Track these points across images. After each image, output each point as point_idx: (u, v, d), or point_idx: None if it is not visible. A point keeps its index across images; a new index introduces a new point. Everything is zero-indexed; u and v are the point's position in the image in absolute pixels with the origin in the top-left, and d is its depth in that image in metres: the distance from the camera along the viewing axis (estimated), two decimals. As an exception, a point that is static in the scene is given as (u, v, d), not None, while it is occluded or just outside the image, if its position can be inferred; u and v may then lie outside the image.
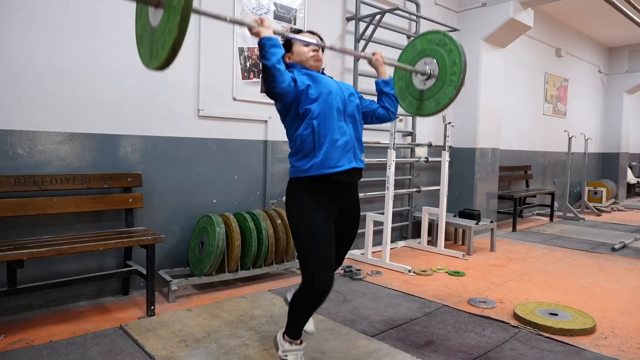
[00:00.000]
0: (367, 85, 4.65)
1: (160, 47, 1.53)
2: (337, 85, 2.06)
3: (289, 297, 2.25)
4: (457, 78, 2.28)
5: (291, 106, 1.98)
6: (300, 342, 2.09)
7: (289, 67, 2.08)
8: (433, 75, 2.38)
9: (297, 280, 3.64)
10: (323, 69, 2.16)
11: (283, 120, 2.07)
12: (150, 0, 1.59)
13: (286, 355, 2.05)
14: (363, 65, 4.57)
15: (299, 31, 2.15)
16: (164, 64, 1.51)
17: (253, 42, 3.75)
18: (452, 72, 2.31)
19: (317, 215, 1.94)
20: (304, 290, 1.95)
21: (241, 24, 1.92)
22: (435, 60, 2.38)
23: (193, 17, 3.64)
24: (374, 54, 2.29)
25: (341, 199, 2.05)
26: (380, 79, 2.28)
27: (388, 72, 2.32)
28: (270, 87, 1.86)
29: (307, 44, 2.07)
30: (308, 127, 1.94)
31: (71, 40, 2.88)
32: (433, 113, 2.40)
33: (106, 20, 3.01)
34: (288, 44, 2.10)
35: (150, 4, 1.62)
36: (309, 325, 2.22)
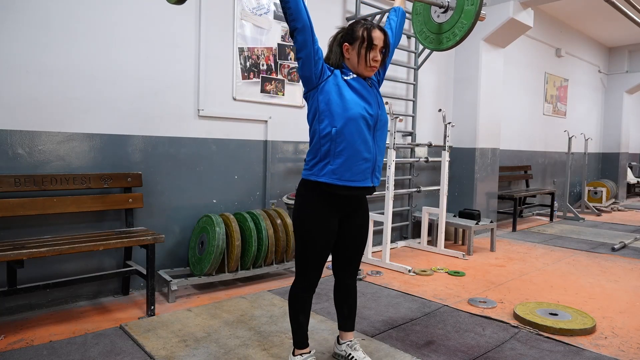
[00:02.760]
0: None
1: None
2: (373, 96, 1.96)
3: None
4: (475, 7, 2.28)
5: (315, 89, 1.90)
6: (309, 351, 2.13)
7: (339, 67, 1.96)
8: (450, 7, 2.38)
9: (297, 280, 3.65)
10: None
11: (306, 101, 1.98)
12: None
13: None
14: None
15: (369, 28, 1.91)
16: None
17: (253, 42, 3.76)
18: (469, 2, 2.31)
19: (321, 221, 1.96)
20: (296, 285, 2.06)
21: None
22: None
23: (193, 14, 3.66)
24: None
25: (349, 208, 2.04)
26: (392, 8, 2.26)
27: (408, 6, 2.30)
28: (289, 23, 1.83)
29: (370, 49, 1.89)
30: (327, 130, 1.87)
31: (71, 40, 2.88)
32: (452, 46, 2.43)
33: (106, 20, 3.01)
34: (351, 35, 1.92)
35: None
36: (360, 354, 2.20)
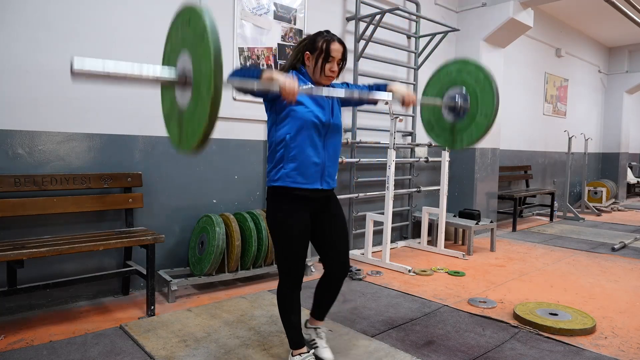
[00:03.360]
0: (367, 85, 4.65)
1: (190, 132, 1.45)
2: (327, 102, 2.06)
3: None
4: (487, 123, 2.21)
5: (272, 106, 2.04)
6: (308, 350, 2.17)
7: (294, 68, 2.09)
8: (464, 109, 2.29)
9: (297, 280, 3.64)
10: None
11: (266, 111, 2.10)
12: (176, 82, 1.51)
13: None
14: (363, 65, 4.58)
15: (328, 40, 2.02)
16: (196, 150, 1.47)
17: (253, 42, 3.75)
18: (483, 111, 2.22)
19: (293, 221, 2.04)
20: (281, 286, 2.10)
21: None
22: (464, 91, 2.28)
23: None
24: (404, 101, 2.16)
25: (315, 205, 2.11)
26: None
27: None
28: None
29: (327, 61, 2.00)
30: (282, 137, 1.99)
31: (71, 40, 2.88)
32: (464, 147, 2.36)
33: (106, 20, 3.00)
34: (312, 45, 2.03)
35: (177, 84, 1.54)
36: (327, 354, 2.25)
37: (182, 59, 1.49)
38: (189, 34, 1.44)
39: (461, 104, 2.28)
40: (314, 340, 2.28)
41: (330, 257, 2.19)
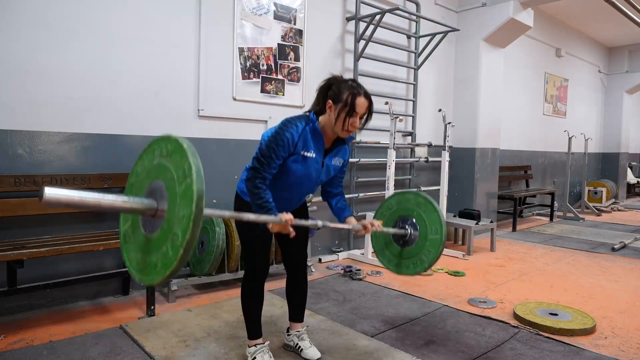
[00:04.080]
0: (367, 85, 4.62)
1: (154, 266, 1.29)
2: (324, 170, 2.06)
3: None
4: (440, 238, 2.32)
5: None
6: (264, 342, 2.23)
7: (317, 113, 2.01)
8: (413, 236, 2.38)
9: (297, 280, 3.64)
10: (350, 138, 2.11)
11: None
12: (143, 212, 1.32)
13: (254, 358, 2.17)
14: (363, 65, 4.58)
15: (355, 94, 1.92)
16: (157, 284, 1.32)
17: (253, 42, 3.75)
18: (433, 231, 2.33)
19: (257, 227, 2.07)
20: (247, 277, 2.18)
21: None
22: (413, 220, 2.38)
23: (193, 14, 3.66)
24: (364, 227, 2.14)
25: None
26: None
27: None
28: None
29: (351, 116, 1.92)
30: (278, 176, 2.00)
31: (71, 40, 2.88)
32: (413, 274, 2.42)
33: (106, 20, 3.00)
34: (337, 96, 1.92)
35: (143, 215, 1.35)
36: (316, 353, 2.29)
37: (154, 187, 1.34)
38: (169, 167, 1.31)
39: (412, 232, 2.39)
40: (297, 345, 2.32)
41: (292, 258, 2.30)
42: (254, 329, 2.21)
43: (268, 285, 3.43)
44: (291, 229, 1.84)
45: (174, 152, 1.30)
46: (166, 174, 1.30)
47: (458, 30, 5.12)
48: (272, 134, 1.94)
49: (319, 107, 2.02)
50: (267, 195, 1.89)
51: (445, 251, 4.63)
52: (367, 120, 2.03)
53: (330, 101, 1.95)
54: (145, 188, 1.37)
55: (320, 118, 2.01)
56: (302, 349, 2.29)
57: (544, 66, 7.51)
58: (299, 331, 2.34)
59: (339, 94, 1.93)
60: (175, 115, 3.37)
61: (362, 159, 4.48)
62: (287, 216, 1.81)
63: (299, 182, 2.03)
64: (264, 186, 1.90)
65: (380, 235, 2.49)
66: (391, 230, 2.39)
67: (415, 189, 2.37)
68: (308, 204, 3.47)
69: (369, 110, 1.99)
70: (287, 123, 1.95)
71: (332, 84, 2.00)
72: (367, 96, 1.96)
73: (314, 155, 1.99)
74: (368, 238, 4.25)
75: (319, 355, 2.27)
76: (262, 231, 2.08)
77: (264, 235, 2.11)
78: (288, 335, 2.38)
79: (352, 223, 2.16)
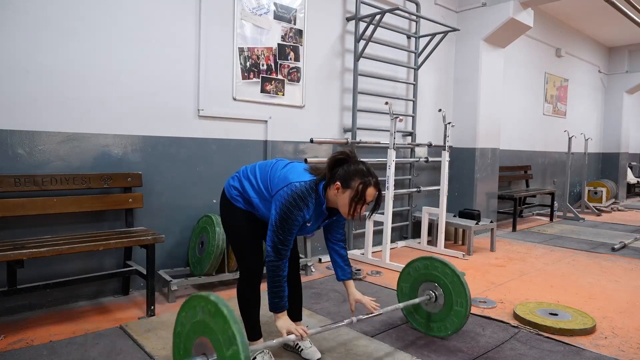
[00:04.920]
0: (367, 85, 4.65)
1: None
2: (314, 227, 2.10)
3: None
4: (464, 312, 2.43)
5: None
6: (264, 342, 2.23)
7: (317, 195, 1.99)
8: (439, 303, 2.53)
9: (297, 280, 3.63)
10: None
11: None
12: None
13: (255, 358, 2.17)
14: (363, 66, 4.58)
15: (366, 184, 1.93)
16: None
17: (253, 42, 3.75)
18: (458, 304, 2.46)
19: (246, 223, 2.13)
20: (241, 278, 2.18)
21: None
22: (439, 287, 2.54)
23: (193, 14, 3.65)
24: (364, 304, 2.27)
25: None
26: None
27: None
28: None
29: (359, 204, 1.96)
30: (256, 201, 2.07)
31: (71, 40, 2.88)
32: (440, 336, 2.56)
33: (106, 20, 3.01)
34: (347, 182, 1.93)
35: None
36: (317, 353, 2.30)
37: (202, 343, 1.60)
38: (214, 329, 1.54)
39: (436, 300, 2.56)
40: (297, 344, 2.31)
41: None
42: (253, 329, 2.20)
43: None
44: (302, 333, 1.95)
45: (215, 314, 1.52)
46: (212, 334, 1.54)
47: (458, 30, 5.12)
48: (284, 212, 1.92)
49: (327, 178, 2.00)
50: (284, 288, 1.98)
51: (445, 251, 4.63)
52: (374, 210, 2.07)
53: (338, 183, 1.95)
54: (193, 342, 1.62)
55: (327, 195, 2.00)
56: (302, 349, 2.28)
57: (544, 66, 7.51)
58: None
59: (349, 180, 1.94)
60: (175, 115, 3.37)
61: (362, 159, 4.47)
62: (302, 331, 1.94)
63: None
64: (284, 274, 1.98)
65: (406, 294, 2.68)
66: (413, 302, 2.55)
67: (444, 262, 2.42)
68: None
69: (377, 201, 2.02)
70: (298, 200, 1.92)
71: (343, 160, 2.00)
72: (377, 186, 1.98)
73: (311, 223, 2.05)
74: (368, 238, 4.25)
75: (319, 355, 2.27)
76: (250, 230, 2.13)
77: (252, 235, 2.14)
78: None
79: (350, 292, 2.29)
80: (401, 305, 2.52)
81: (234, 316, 1.50)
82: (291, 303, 2.34)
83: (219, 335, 1.52)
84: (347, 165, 1.97)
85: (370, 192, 1.95)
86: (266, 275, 2.00)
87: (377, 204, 2.05)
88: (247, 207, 2.14)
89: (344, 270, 2.28)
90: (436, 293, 2.53)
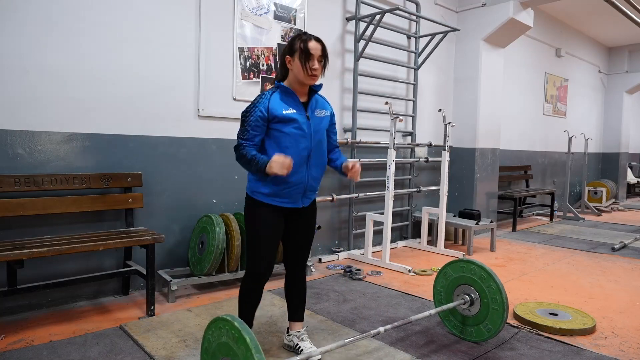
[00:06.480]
0: (368, 85, 4.65)
1: None
2: (312, 122, 2.13)
3: None
4: (501, 308, 2.40)
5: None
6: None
7: (282, 79, 2.15)
8: (475, 307, 2.51)
9: (297, 280, 3.63)
10: (319, 86, 2.19)
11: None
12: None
13: None
14: (363, 66, 4.58)
15: (305, 39, 2.06)
16: None
17: (253, 42, 3.76)
18: (493, 301, 2.44)
19: (267, 224, 2.15)
20: (248, 275, 2.21)
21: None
22: (474, 289, 2.52)
23: (193, 14, 3.65)
24: (352, 167, 2.19)
25: (292, 215, 2.23)
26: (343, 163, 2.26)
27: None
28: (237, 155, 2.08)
29: (308, 60, 2.04)
30: (268, 153, 2.08)
31: (72, 40, 2.88)
32: (477, 341, 2.53)
33: (106, 20, 3.01)
34: (291, 49, 2.08)
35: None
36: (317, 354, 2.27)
37: None
38: (237, 354, 1.58)
39: (472, 304, 2.53)
40: (297, 345, 2.31)
41: (294, 256, 2.31)
42: (247, 321, 2.23)
43: (268, 285, 3.43)
44: (285, 165, 1.94)
45: (239, 340, 1.56)
46: (235, 358, 1.59)
47: (458, 30, 5.12)
48: (244, 113, 2.12)
49: (282, 74, 2.15)
50: (252, 151, 2.03)
51: (445, 251, 4.63)
52: (325, 64, 2.12)
53: (288, 57, 2.10)
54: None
55: (286, 80, 2.14)
56: (302, 349, 2.28)
57: (544, 66, 7.51)
58: (299, 331, 2.34)
59: (292, 45, 2.08)
60: (175, 115, 3.37)
61: (362, 159, 4.47)
62: (287, 160, 1.95)
63: (295, 141, 2.07)
64: (248, 149, 2.04)
65: (444, 300, 2.67)
66: (449, 306, 2.55)
67: (481, 264, 2.42)
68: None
69: (324, 53, 2.09)
70: (253, 101, 2.12)
71: (285, 46, 2.17)
72: (318, 40, 2.09)
73: (295, 111, 2.09)
74: (368, 238, 4.25)
75: (319, 355, 2.27)
76: (271, 229, 2.13)
77: (272, 234, 2.15)
78: (288, 335, 2.38)
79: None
80: (433, 311, 2.51)
81: (256, 344, 1.53)
82: (294, 303, 2.35)
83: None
84: (288, 43, 2.13)
85: (313, 44, 2.05)
86: (239, 158, 2.06)
87: (326, 59, 2.11)
88: (268, 190, 2.11)
89: (341, 159, 2.33)
90: (472, 297, 2.52)
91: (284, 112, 2.06)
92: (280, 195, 2.11)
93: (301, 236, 2.29)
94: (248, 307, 2.21)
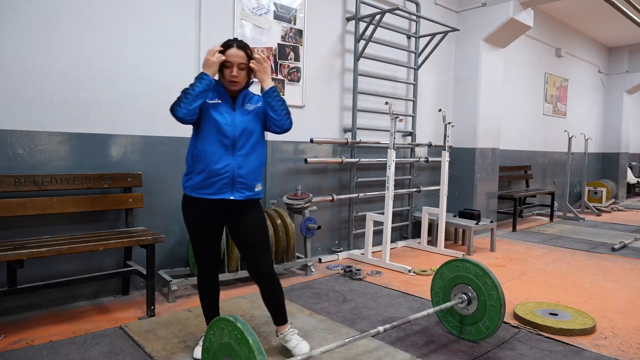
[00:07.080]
0: (368, 85, 4.65)
1: None
2: (238, 112, 2.13)
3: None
4: (498, 305, 2.41)
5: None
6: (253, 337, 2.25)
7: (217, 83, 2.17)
8: (472, 305, 2.52)
9: (298, 280, 3.65)
10: (250, 83, 2.20)
11: None
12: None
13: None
14: (363, 66, 4.58)
15: (228, 45, 2.10)
16: None
17: (253, 42, 3.75)
18: (490, 298, 2.46)
19: (199, 225, 2.20)
20: (198, 273, 2.31)
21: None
22: (471, 288, 2.53)
23: (193, 14, 3.65)
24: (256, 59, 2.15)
25: (225, 214, 2.21)
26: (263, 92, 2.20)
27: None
28: (174, 110, 2.13)
29: (226, 67, 2.09)
30: (195, 147, 2.14)
31: (71, 40, 2.88)
32: (474, 340, 2.53)
33: (106, 20, 3.00)
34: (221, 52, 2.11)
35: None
36: (305, 347, 2.29)
37: None
38: (239, 355, 1.58)
39: (470, 303, 2.54)
40: (284, 346, 2.31)
41: (250, 262, 2.27)
42: (206, 318, 2.33)
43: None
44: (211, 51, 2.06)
45: (241, 341, 1.56)
46: (237, 358, 1.59)
47: (458, 30, 5.12)
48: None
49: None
50: (188, 95, 2.07)
51: (445, 251, 4.63)
52: (250, 70, 2.12)
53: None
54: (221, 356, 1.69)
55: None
56: (289, 348, 2.29)
57: (544, 66, 7.51)
58: (282, 333, 2.33)
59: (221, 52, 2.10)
60: (175, 115, 3.36)
61: (362, 159, 4.48)
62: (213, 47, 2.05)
63: (217, 126, 2.09)
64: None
65: (441, 301, 2.66)
66: (447, 305, 2.54)
67: (476, 263, 2.42)
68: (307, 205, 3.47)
69: (246, 59, 2.09)
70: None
71: None
72: (240, 46, 2.09)
73: (219, 102, 2.12)
74: (368, 238, 4.25)
75: (307, 348, 2.27)
76: (200, 226, 2.19)
77: (201, 232, 2.21)
78: (276, 337, 2.38)
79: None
80: (431, 310, 2.51)
81: (259, 346, 1.52)
82: (271, 310, 2.32)
83: None
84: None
85: (231, 51, 2.07)
86: (175, 104, 2.14)
87: (248, 62, 2.10)
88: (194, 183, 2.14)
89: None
90: (469, 295, 2.52)
91: (209, 101, 2.11)
92: (205, 186, 2.11)
93: (249, 236, 2.22)
94: (202, 303, 2.32)
